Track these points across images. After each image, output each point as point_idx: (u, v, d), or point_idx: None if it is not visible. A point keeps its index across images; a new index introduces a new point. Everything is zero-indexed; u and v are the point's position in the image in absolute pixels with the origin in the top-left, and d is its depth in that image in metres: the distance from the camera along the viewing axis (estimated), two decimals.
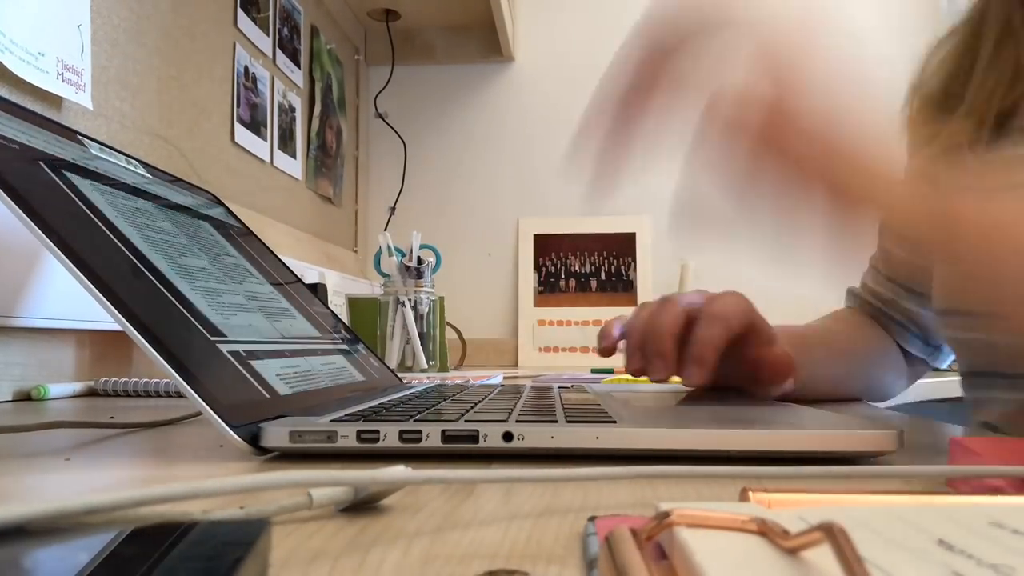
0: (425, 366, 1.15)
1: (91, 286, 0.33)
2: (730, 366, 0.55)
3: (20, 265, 0.66)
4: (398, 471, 0.22)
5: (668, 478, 0.29)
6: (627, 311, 0.59)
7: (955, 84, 0.59)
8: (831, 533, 0.14)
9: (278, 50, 1.36)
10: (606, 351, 0.57)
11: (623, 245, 1.79)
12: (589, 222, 1.80)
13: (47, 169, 0.39)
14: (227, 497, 0.25)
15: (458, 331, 1.40)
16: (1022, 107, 0.55)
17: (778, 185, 0.38)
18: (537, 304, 1.80)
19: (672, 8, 0.39)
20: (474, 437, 0.33)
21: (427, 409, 0.40)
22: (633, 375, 0.55)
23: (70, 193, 0.38)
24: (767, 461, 0.30)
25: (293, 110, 1.43)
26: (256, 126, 1.26)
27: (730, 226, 0.41)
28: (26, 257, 0.67)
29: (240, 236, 0.59)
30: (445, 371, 1.19)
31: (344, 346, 0.60)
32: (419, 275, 1.18)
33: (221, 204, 0.64)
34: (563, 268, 1.80)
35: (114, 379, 0.73)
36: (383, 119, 1.85)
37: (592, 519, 0.21)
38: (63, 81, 0.76)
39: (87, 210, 0.38)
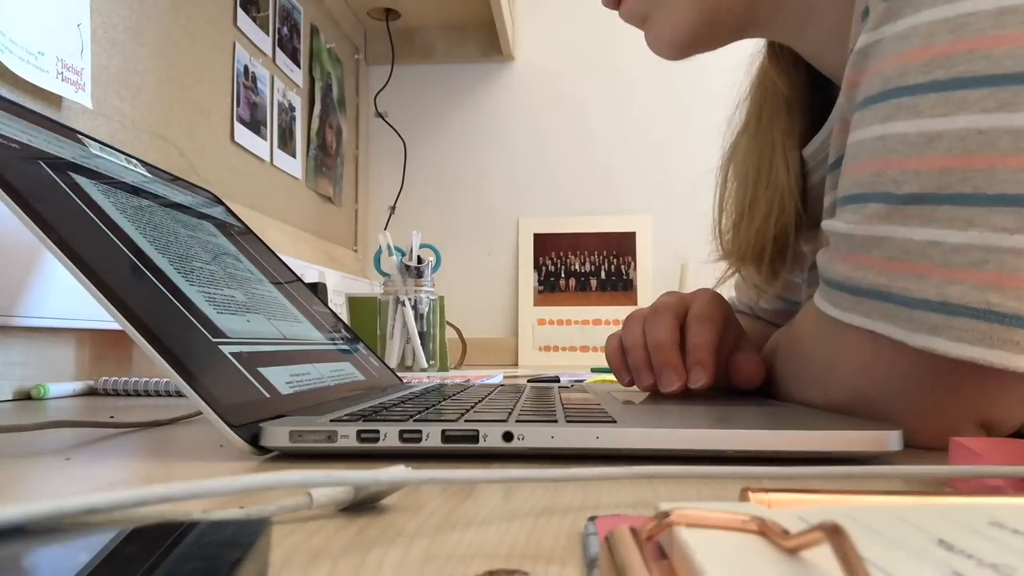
0: (425, 365, 1.15)
1: (91, 286, 0.33)
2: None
3: (20, 265, 0.66)
4: (398, 471, 0.22)
5: (668, 478, 0.29)
6: (627, 310, 0.60)
7: (743, 207, 0.63)
8: (831, 533, 0.14)
9: (278, 49, 1.36)
10: (631, 384, 0.57)
11: (623, 244, 1.79)
12: (589, 221, 1.80)
13: (47, 168, 0.39)
14: (227, 497, 0.25)
15: (458, 330, 1.40)
16: (782, 236, 0.60)
17: None
18: (537, 303, 1.80)
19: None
20: (474, 437, 0.33)
21: (427, 409, 0.40)
22: (646, 390, 0.55)
23: (70, 192, 0.38)
24: (767, 461, 0.30)
25: (293, 109, 1.43)
26: (256, 125, 1.26)
27: None
28: (26, 257, 0.67)
29: (240, 235, 0.59)
30: (445, 371, 1.19)
31: (344, 346, 0.60)
32: (419, 274, 1.18)
33: (221, 203, 0.64)
34: (563, 267, 1.80)
35: (114, 379, 0.73)
36: (383, 119, 1.85)
37: (592, 519, 0.21)
38: (63, 80, 0.76)
39: (87, 209, 0.38)
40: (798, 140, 0.60)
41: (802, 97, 0.60)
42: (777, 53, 0.61)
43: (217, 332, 0.39)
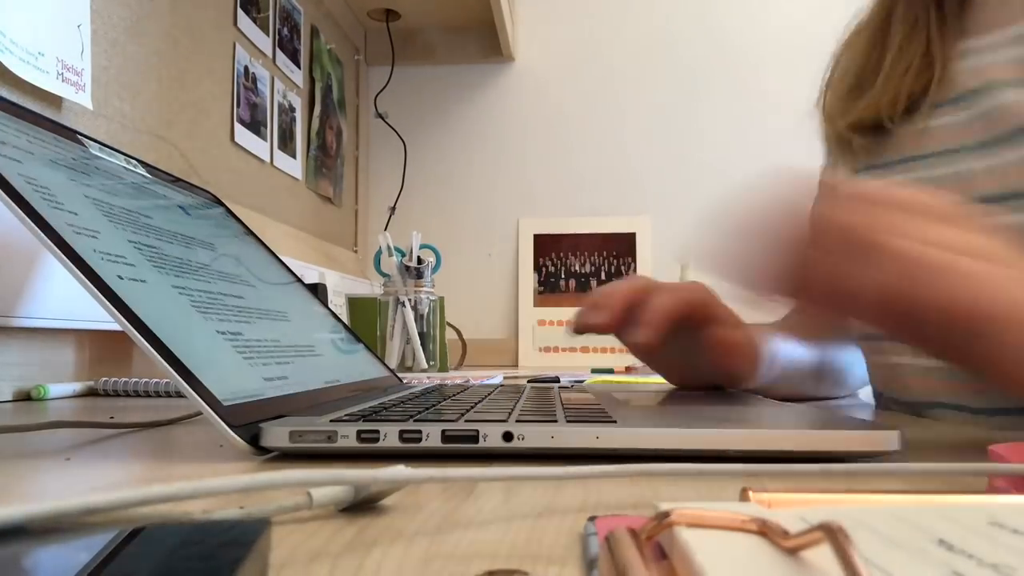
0: (425, 366, 1.15)
1: (91, 286, 0.33)
2: (699, 357, 0.57)
3: (20, 265, 0.66)
4: (398, 470, 0.22)
5: (668, 479, 0.29)
6: None
7: (866, 72, 0.62)
8: (831, 533, 0.14)
9: (278, 50, 1.36)
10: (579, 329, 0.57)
11: (623, 245, 1.79)
12: (589, 222, 1.80)
13: (47, 169, 0.39)
14: (227, 497, 0.25)
15: (458, 331, 1.40)
16: (932, 88, 0.58)
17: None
18: (537, 304, 1.80)
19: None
20: (474, 437, 0.33)
21: (427, 409, 0.40)
22: (577, 331, 0.55)
23: (70, 193, 0.38)
24: (767, 461, 0.30)
25: (293, 110, 1.43)
26: (256, 126, 1.26)
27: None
28: (26, 257, 0.67)
29: (240, 236, 0.59)
30: (445, 371, 1.19)
31: (343, 346, 0.60)
32: (419, 275, 1.18)
33: (221, 204, 0.64)
34: (563, 268, 1.80)
35: (114, 379, 0.73)
36: (383, 119, 1.85)
37: (592, 519, 0.21)
38: (63, 81, 0.76)
39: (87, 210, 0.38)
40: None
41: None
42: None
43: (216, 331, 0.39)
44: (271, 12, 1.33)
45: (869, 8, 0.66)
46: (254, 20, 1.26)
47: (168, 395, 0.71)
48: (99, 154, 0.48)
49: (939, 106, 0.57)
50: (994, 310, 0.34)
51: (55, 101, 0.76)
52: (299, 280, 0.64)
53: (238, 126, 1.19)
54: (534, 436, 0.32)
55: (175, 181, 0.58)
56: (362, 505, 0.24)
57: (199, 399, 0.33)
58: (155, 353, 0.33)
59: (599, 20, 1.83)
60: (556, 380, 0.93)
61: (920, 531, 0.16)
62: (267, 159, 1.31)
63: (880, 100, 0.60)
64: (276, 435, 0.33)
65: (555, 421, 0.34)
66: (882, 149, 0.61)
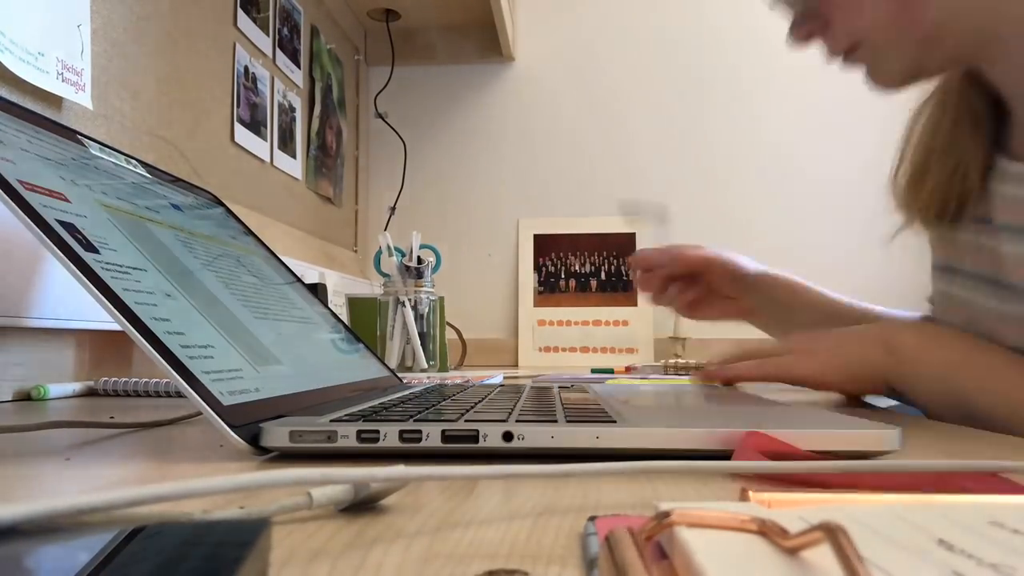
0: (425, 366, 1.15)
1: (91, 286, 0.33)
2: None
3: (20, 265, 0.66)
4: (398, 469, 0.22)
5: (668, 479, 0.29)
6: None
7: (928, 158, 0.64)
8: (831, 533, 0.14)
9: (278, 50, 1.36)
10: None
11: (623, 245, 1.79)
12: (589, 222, 1.80)
13: (47, 169, 0.39)
14: (227, 496, 0.25)
15: (458, 331, 1.40)
16: (973, 196, 0.61)
17: None
18: (537, 304, 1.80)
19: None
20: (474, 437, 0.32)
21: (427, 409, 0.40)
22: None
23: (70, 193, 0.38)
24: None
25: (293, 110, 1.43)
26: (256, 126, 1.26)
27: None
28: (26, 257, 0.67)
29: (240, 236, 0.59)
30: (445, 371, 1.19)
31: (343, 346, 0.60)
32: (419, 275, 1.18)
33: (221, 204, 0.64)
34: (563, 268, 1.80)
35: (114, 379, 0.73)
36: (383, 119, 1.85)
37: (592, 519, 0.21)
38: (63, 81, 0.76)
39: (87, 210, 0.38)
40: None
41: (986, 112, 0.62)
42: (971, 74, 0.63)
43: (215, 331, 0.39)
44: (271, 12, 1.33)
45: (928, 93, 0.66)
46: (254, 20, 1.26)
47: (168, 395, 0.71)
48: (99, 154, 0.48)
49: (979, 221, 0.60)
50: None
51: (55, 101, 0.76)
52: (299, 280, 0.64)
53: (238, 126, 1.19)
54: (534, 436, 0.32)
55: (175, 181, 0.58)
56: (362, 505, 0.24)
57: (199, 399, 0.33)
58: (155, 353, 0.33)
59: (599, 20, 1.83)
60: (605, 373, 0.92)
61: (920, 531, 0.16)
62: (267, 159, 1.31)
63: (932, 200, 0.63)
64: (276, 435, 0.33)
65: (555, 421, 0.34)
66: (947, 244, 0.65)
